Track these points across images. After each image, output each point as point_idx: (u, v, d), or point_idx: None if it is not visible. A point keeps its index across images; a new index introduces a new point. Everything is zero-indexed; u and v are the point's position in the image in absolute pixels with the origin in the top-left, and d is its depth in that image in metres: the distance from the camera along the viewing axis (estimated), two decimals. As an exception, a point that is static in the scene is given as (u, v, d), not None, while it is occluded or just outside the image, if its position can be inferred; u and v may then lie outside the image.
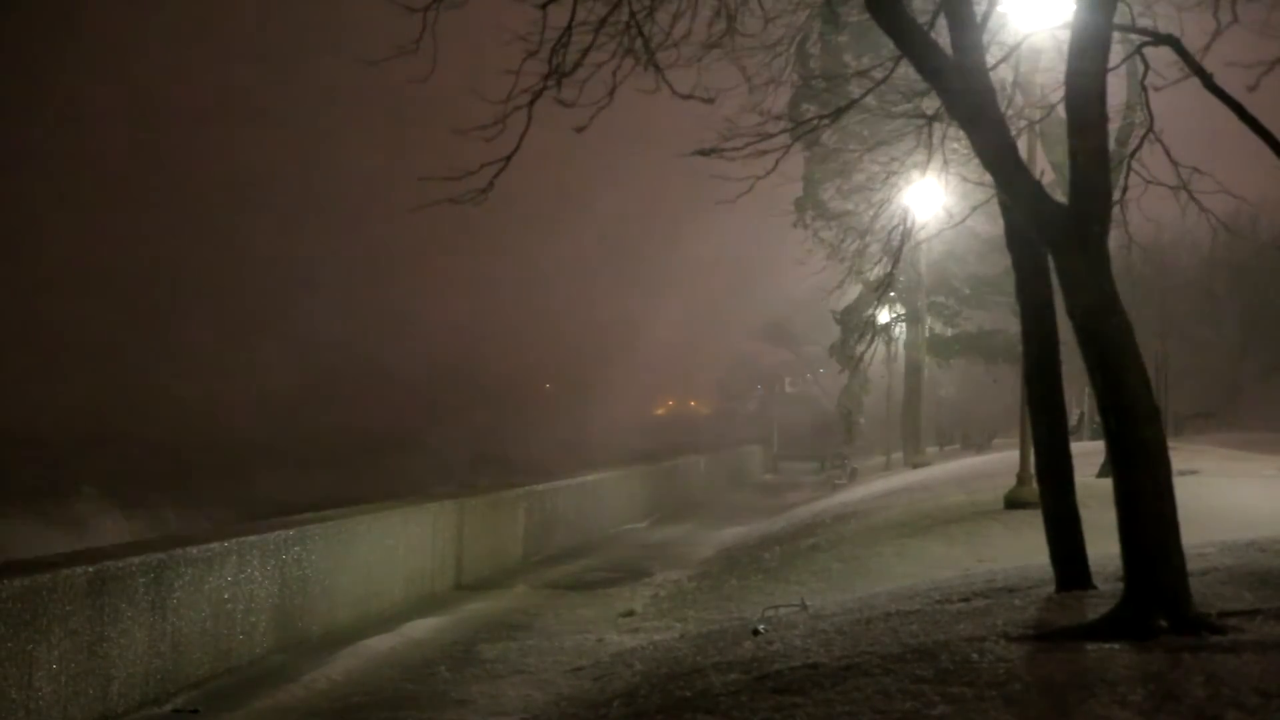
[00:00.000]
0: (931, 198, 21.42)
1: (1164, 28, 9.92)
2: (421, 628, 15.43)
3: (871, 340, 43.75)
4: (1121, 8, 9.09)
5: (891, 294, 40.69)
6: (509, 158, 9.80)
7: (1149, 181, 10.94)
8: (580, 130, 10.03)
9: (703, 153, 10.40)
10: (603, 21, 9.71)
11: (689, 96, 10.16)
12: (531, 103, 9.73)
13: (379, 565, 16.68)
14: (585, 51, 9.73)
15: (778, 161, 10.80)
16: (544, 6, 9.72)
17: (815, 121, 11.41)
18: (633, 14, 9.75)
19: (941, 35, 9.61)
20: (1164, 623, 7.37)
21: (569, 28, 9.70)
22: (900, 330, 45.74)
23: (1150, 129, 10.48)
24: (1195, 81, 9.23)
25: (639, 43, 9.79)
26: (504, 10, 9.96)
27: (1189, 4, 10.35)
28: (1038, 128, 16.35)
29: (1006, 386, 45.78)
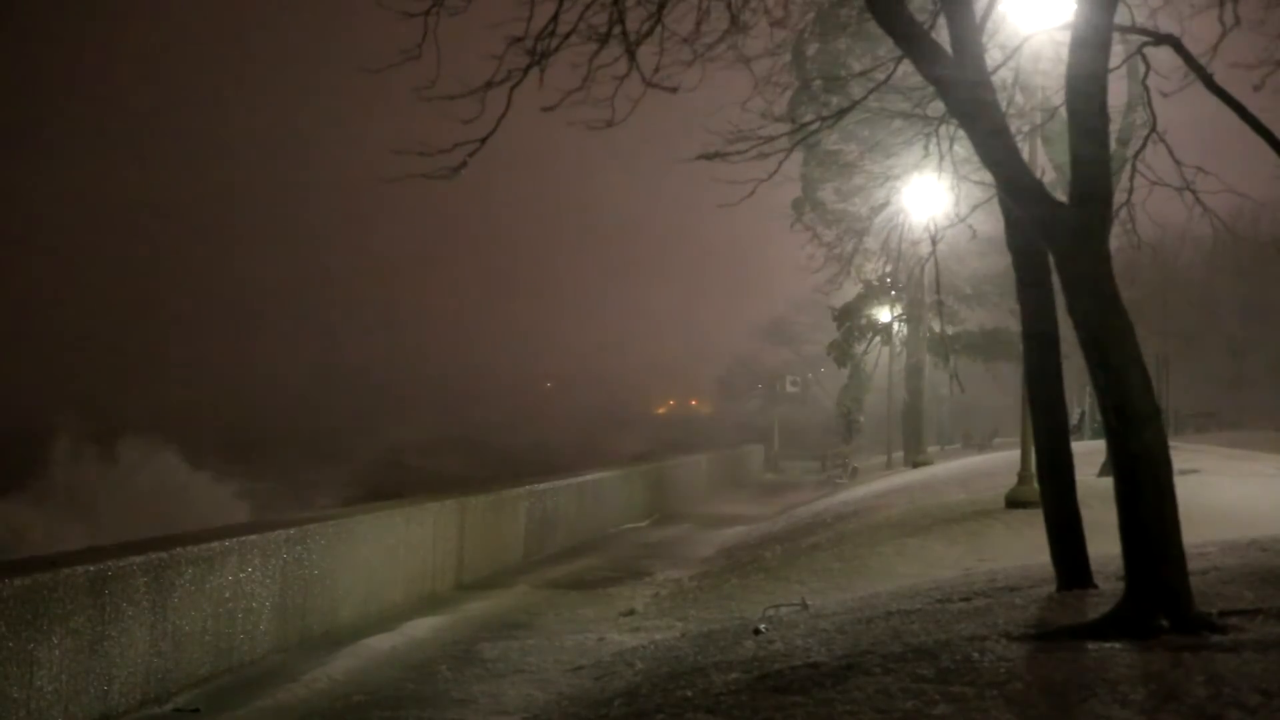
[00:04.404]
0: (936, 199, 21.43)
1: (1164, 28, 9.92)
2: (422, 627, 15.43)
3: (871, 339, 43.82)
4: (1121, 8, 9.09)
5: (892, 293, 40.72)
6: (484, 139, 9.88)
7: (1154, 182, 10.94)
8: (549, 110, 10.06)
9: (706, 157, 10.45)
10: (585, 9, 9.75)
11: (656, 85, 10.20)
12: (513, 87, 9.77)
13: (380, 564, 16.68)
14: (567, 36, 9.76)
15: (780, 164, 10.83)
16: None
17: (817, 123, 11.42)
18: (616, 3, 9.78)
19: (941, 35, 9.61)
20: (1165, 622, 7.37)
21: (555, 16, 9.74)
22: (900, 329, 45.76)
23: (1153, 129, 10.48)
24: (1196, 81, 9.25)
25: (619, 30, 9.81)
26: (498, 3, 10.00)
27: (1189, 4, 10.37)
28: (1039, 130, 16.35)
29: (1007, 386, 45.84)
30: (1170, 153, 10.54)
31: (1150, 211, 11.90)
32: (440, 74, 9.79)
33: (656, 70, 10.02)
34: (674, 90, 10.32)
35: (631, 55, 9.89)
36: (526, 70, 9.77)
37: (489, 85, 9.66)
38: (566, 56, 9.86)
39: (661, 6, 9.94)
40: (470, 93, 9.64)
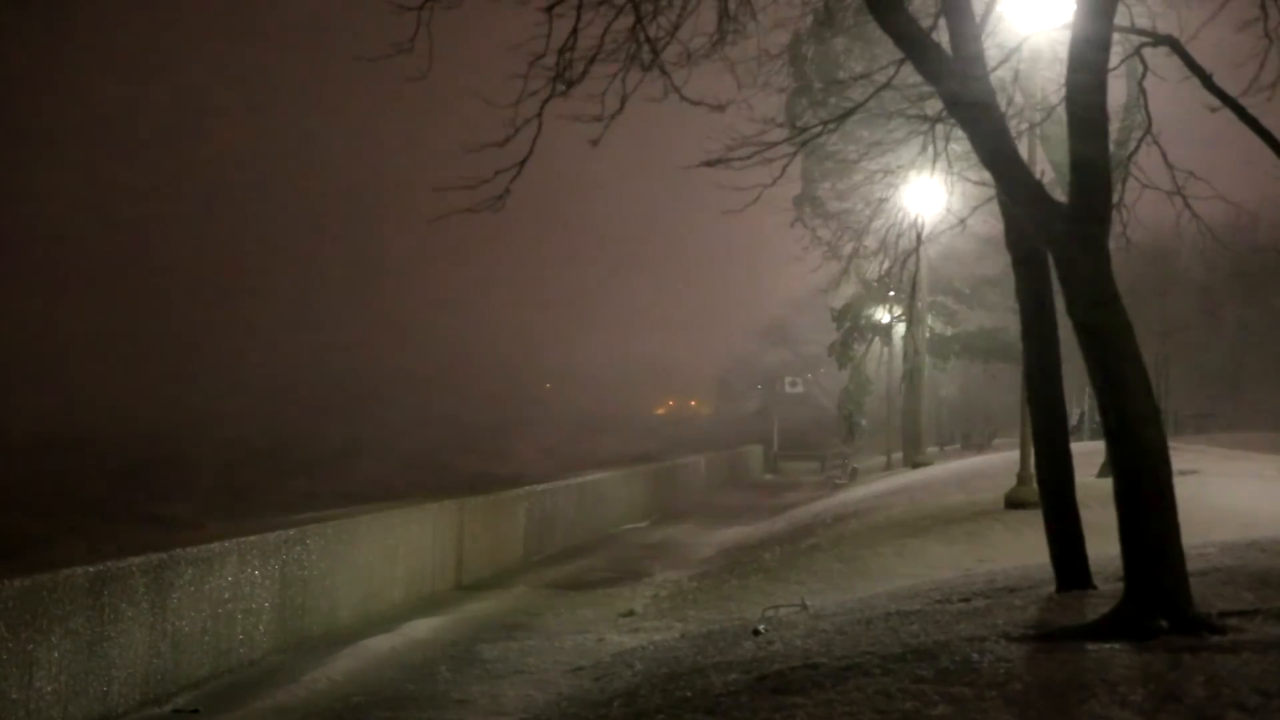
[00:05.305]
0: (932, 197, 21.42)
1: (1164, 28, 9.93)
2: (422, 628, 15.43)
3: (870, 340, 43.80)
4: (1121, 8, 9.10)
5: (891, 293, 40.67)
6: (523, 162, 9.84)
7: (1145, 185, 10.94)
8: (595, 143, 10.06)
9: (709, 164, 10.41)
10: (608, 26, 9.74)
11: (699, 103, 10.18)
12: (541, 108, 9.75)
13: (379, 565, 16.68)
14: (591, 60, 9.74)
15: (784, 169, 10.83)
16: (549, 9, 9.73)
17: (820, 128, 11.42)
18: (639, 18, 9.76)
19: (940, 35, 9.61)
20: (1164, 623, 7.37)
21: (575, 31, 9.72)
22: (900, 330, 45.72)
23: (1148, 130, 10.48)
24: (1195, 82, 9.25)
25: (645, 48, 9.81)
26: (509, 15, 9.98)
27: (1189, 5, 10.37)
28: (1038, 130, 16.36)
29: (1006, 386, 45.83)
30: (1164, 156, 10.55)
31: (1148, 211, 11.90)
32: (446, 82, 9.82)
33: (670, 82, 9.99)
34: (721, 109, 10.30)
35: (666, 74, 9.88)
36: (553, 92, 9.74)
37: (518, 104, 9.62)
38: (578, 62, 9.83)
39: (656, 12, 9.93)
40: (506, 140, 9.59)
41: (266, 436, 70.15)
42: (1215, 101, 9.24)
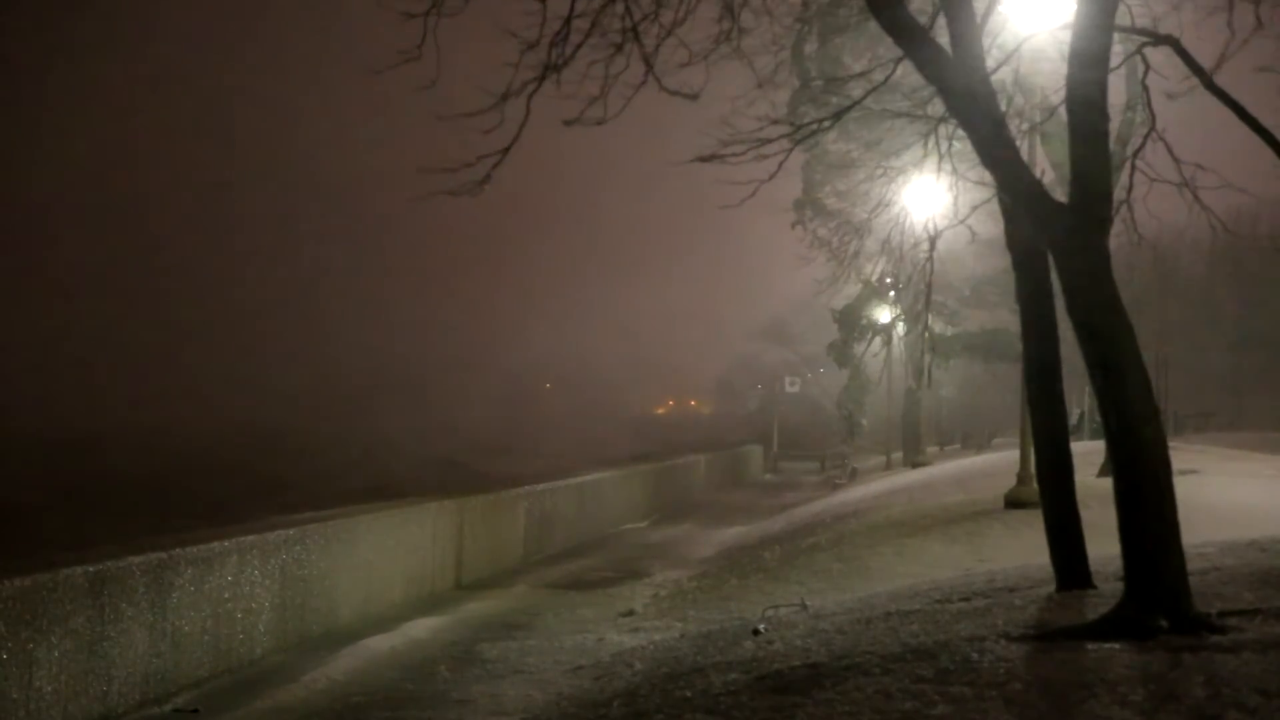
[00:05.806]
0: (933, 198, 21.41)
1: (1164, 28, 9.93)
2: (422, 627, 15.44)
3: (871, 340, 43.79)
4: (1121, 8, 9.09)
5: (892, 294, 40.66)
6: (507, 149, 9.81)
7: (1154, 180, 10.91)
8: (569, 124, 10.02)
9: (703, 159, 10.37)
10: (598, 15, 9.72)
11: (675, 92, 10.14)
12: (530, 96, 9.74)
13: (379, 565, 16.68)
14: (579, 45, 9.72)
15: (780, 165, 10.78)
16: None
17: (815, 125, 11.39)
18: (629, 12, 9.75)
19: (941, 35, 9.61)
20: (1164, 622, 7.37)
21: (569, 19, 9.70)
22: (900, 330, 45.74)
23: (1152, 128, 10.47)
24: (1194, 80, 9.26)
25: (632, 37, 9.79)
26: (504, 3, 9.96)
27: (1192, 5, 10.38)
28: (1039, 130, 16.36)
29: (1006, 386, 45.86)
30: (1170, 151, 10.54)
31: (1149, 211, 11.90)
32: (445, 77, 9.79)
33: (650, 71, 9.98)
34: (694, 98, 10.25)
35: (648, 64, 9.85)
36: (542, 79, 9.73)
37: (505, 97, 9.60)
38: (576, 62, 9.82)
39: (659, 5, 9.92)
40: (488, 109, 9.57)
41: (287, 438, 70.11)
42: (1216, 103, 9.24)
